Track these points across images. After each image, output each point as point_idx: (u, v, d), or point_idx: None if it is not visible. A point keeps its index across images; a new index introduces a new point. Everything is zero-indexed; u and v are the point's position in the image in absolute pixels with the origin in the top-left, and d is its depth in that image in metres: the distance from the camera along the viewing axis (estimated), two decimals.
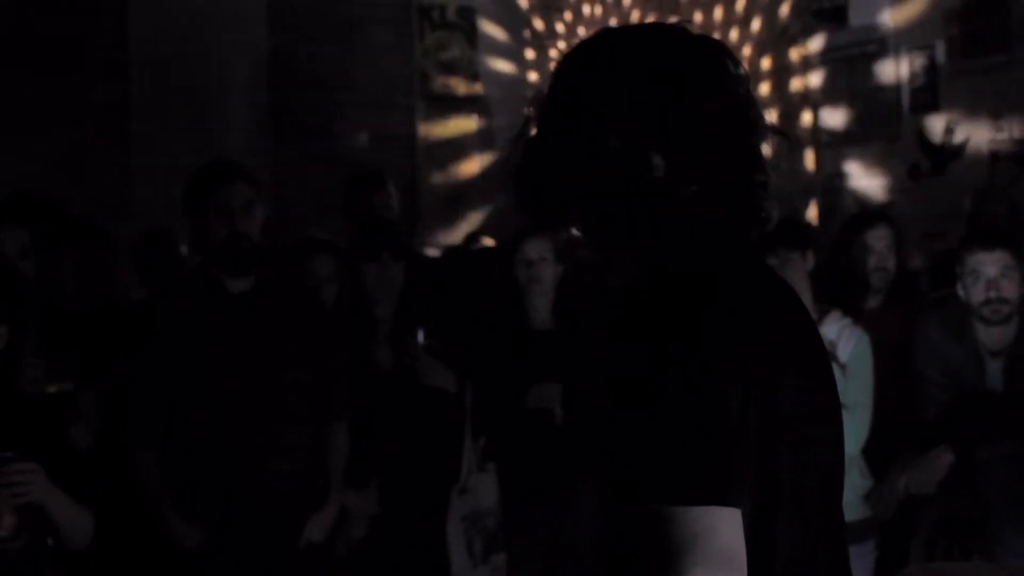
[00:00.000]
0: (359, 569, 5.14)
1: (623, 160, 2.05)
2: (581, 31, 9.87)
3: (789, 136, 2.14)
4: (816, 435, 2.05)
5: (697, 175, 2.05)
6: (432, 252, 8.27)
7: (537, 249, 5.36)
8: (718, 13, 9.73)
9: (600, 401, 2.03)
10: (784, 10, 9.41)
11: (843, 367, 4.91)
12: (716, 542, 1.85)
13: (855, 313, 5.25)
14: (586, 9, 10.17)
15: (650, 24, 2.22)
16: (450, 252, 7.59)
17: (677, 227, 2.07)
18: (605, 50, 2.12)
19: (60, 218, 5.69)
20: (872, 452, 5.03)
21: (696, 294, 1.97)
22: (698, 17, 9.57)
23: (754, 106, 2.13)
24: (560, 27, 10.16)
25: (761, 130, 2.15)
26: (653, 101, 2.05)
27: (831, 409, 2.11)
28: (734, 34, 9.56)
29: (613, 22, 9.73)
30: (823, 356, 2.14)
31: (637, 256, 2.09)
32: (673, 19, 2.14)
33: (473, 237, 7.28)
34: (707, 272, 2.02)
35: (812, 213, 9.15)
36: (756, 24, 9.54)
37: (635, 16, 9.89)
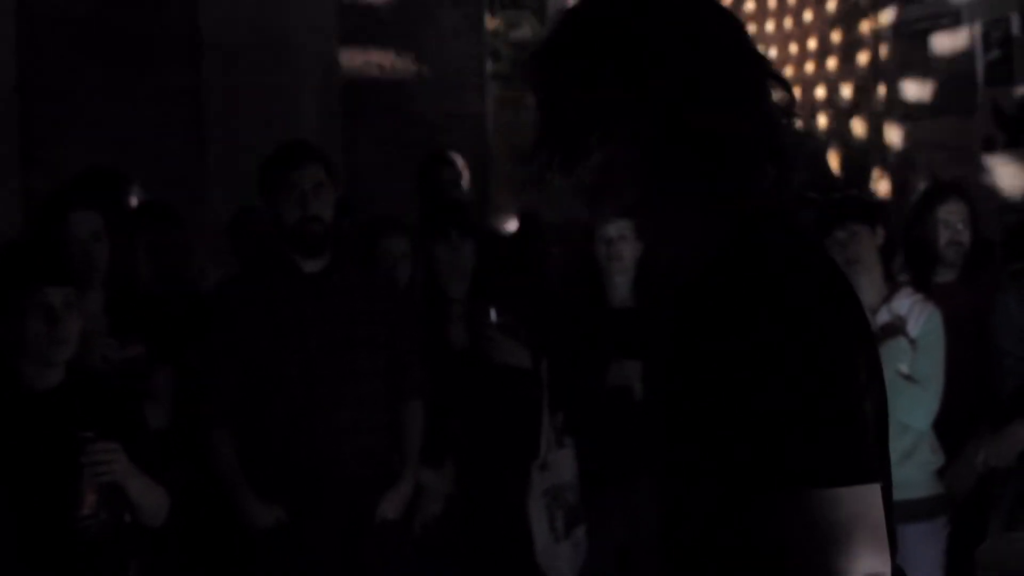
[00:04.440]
0: (435, 547, 5.15)
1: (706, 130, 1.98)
2: None
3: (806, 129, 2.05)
4: (882, 404, 2.03)
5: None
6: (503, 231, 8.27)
7: (617, 226, 5.35)
8: None
9: (703, 385, 1.95)
10: None
11: (914, 342, 4.88)
12: (873, 518, 1.87)
13: (926, 288, 5.20)
14: None
15: None
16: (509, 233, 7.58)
17: (742, 197, 2.02)
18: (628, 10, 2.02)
19: (132, 198, 5.72)
20: (945, 428, 4.99)
21: (806, 267, 1.95)
22: None
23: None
24: None
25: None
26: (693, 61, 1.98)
27: (881, 380, 2.07)
28: (808, 14, 9.48)
29: None
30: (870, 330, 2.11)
31: (707, 231, 2.02)
32: None
33: (527, 215, 7.26)
34: (793, 243, 1.98)
35: (885, 187, 9.07)
36: (831, 2, 9.45)
37: None
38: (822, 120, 9.05)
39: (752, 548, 1.93)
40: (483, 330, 5.19)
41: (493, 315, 5.16)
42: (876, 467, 1.90)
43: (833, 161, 8.89)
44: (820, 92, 9.06)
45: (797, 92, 2.14)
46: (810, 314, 1.88)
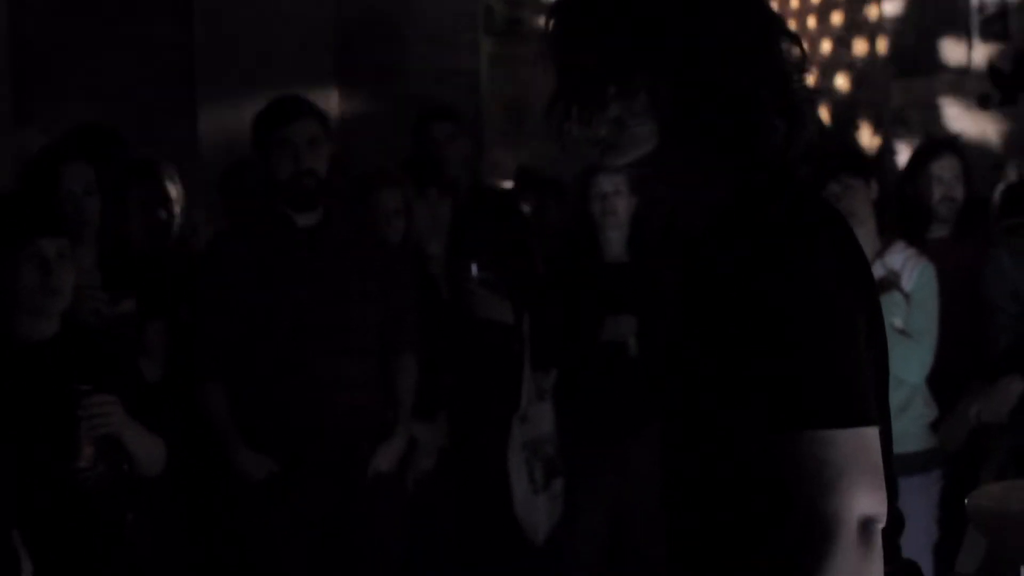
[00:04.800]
0: (428, 501, 5.17)
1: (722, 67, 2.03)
2: None
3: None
4: (882, 353, 2.08)
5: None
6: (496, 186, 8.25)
7: (612, 181, 5.34)
8: None
9: (700, 330, 2.01)
10: None
11: (907, 296, 4.89)
12: (869, 460, 1.91)
13: (920, 243, 5.21)
14: None
15: None
16: (503, 189, 7.58)
17: (759, 141, 2.06)
18: None
19: (125, 154, 5.70)
20: (938, 383, 5.00)
21: (811, 213, 2.00)
22: None
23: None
24: None
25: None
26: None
27: (882, 331, 2.12)
28: None
29: None
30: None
31: (716, 184, 2.07)
32: None
33: (523, 171, 7.25)
34: (799, 196, 2.03)
35: (880, 144, 9.06)
36: None
37: None
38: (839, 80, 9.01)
39: (751, 489, 1.98)
40: (464, 285, 5.20)
41: (474, 270, 5.18)
42: (873, 411, 1.94)
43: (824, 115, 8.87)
44: (826, 47, 9.03)
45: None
46: (812, 264, 1.93)
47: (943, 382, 4.99)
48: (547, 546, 5.34)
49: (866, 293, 2.03)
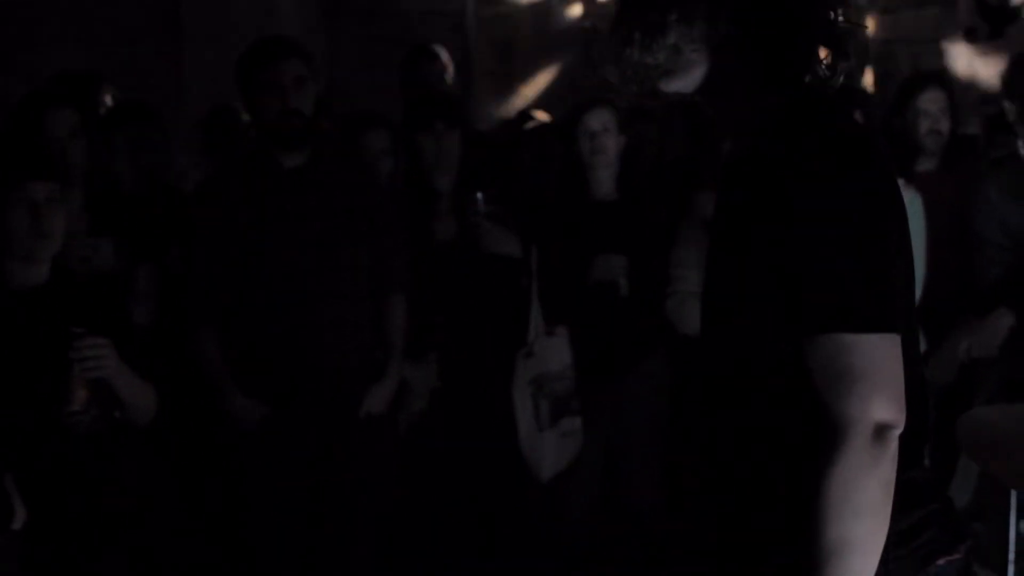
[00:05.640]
0: (421, 443, 5.18)
1: None
2: None
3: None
4: (909, 264, 2.19)
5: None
6: (485, 128, 8.24)
7: (600, 120, 5.31)
8: None
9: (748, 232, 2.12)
10: None
11: None
12: (889, 368, 2.01)
13: (906, 175, 5.20)
14: None
15: None
16: (505, 127, 7.56)
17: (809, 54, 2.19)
18: None
19: (107, 97, 5.68)
20: (926, 316, 5.00)
21: (850, 131, 2.15)
22: None
23: None
24: None
25: None
26: None
27: (909, 251, 2.22)
28: None
29: None
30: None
31: (762, 109, 2.19)
32: None
33: (526, 114, 7.24)
34: (838, 119, 2.17)
35: (868, 78, 9.04)
36: None
37: None
38: None
39: (774, 390, 2.10)
40: (471, 218, 5.17)
41: (481, 203, 5.14)
42: (897, 321, 2.03)
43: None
44: None
45: None
46: (849, 176, 2.05)
47: (931, 315, 4.98)
48: (551, 484, 5.33)
49: (897, 206, 2.13)
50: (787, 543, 2.05)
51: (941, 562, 2.17)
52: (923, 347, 4.95)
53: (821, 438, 2.00)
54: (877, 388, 1.98)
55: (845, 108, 2.29)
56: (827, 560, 1.99)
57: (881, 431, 1.98)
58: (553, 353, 5.26)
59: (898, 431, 2.01)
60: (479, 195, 5.11)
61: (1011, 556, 3.62)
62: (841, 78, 2.21)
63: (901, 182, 4.88)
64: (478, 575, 5.26)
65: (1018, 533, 3.67)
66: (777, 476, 2.11)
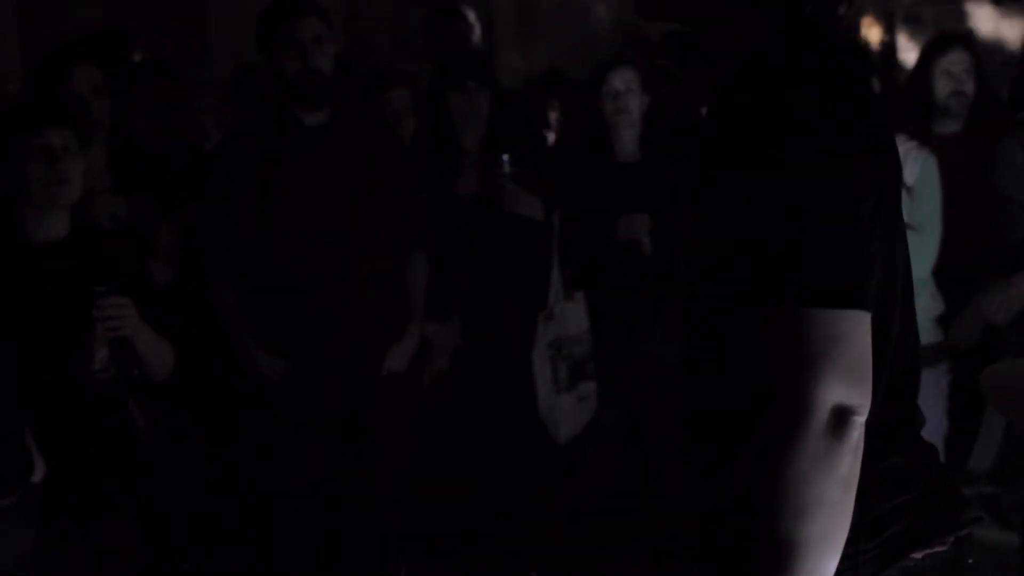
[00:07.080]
0: (443, 401, 5.19)
1: None
2: None
3: None
4: (903, 235, 2.05)
5: None
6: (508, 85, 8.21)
7: (623, 80, 5.30)
8: None
9: (709, 202, 1.95)
10: None
11: (910, 189, 4.86)
12: (851, 348, 1.80)
13: (928, 137, 5.17)
14: None
15: None
16: (530, 88, 7.54)
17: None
18: None
19: (132, 56, 5.68)
20: (947, 277, 4.98)
21: (839, 74, 1.93)
22: None
23: None
24: None
25: None
26: None
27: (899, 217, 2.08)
28: None
29: None
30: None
31: (763, 30, 2.01)
32: None
33: (553, 73, 7.21)
34: (827, 62, 1.96)
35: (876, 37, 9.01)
36: None
37: None
38: None
39: (740, 363, 1.90)
40: (495, 179, 5.17)
41: (506, 164, 5.14)
42: (865, 297, 1.83)
43: None
44: None
45: None
46: (826, 130, 1.85)
47: (953, 277, 4.97)
48: (569, 446, 5.34)
49: (884, 165, 1.95)
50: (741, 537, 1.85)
51: (917, 555, 1.96)
52: (942, 307, 4.96)
53: (769, 423, 1.80)
54: (838, 369, 1.78)
55: (847, 55, 2.08)
56: (775, 563, 1.79)
57: (840, 416, 1.78)
58: (573, 316, 5.27)
59: (861, 418, 1.80)
60: (505, 157, 5.11)
61: None
62: (843, 9, 2.02)
63: (915, 144, 4.90)
64: (495, 534, 5.27)
65: None
66: (739, 467, 1.90)
